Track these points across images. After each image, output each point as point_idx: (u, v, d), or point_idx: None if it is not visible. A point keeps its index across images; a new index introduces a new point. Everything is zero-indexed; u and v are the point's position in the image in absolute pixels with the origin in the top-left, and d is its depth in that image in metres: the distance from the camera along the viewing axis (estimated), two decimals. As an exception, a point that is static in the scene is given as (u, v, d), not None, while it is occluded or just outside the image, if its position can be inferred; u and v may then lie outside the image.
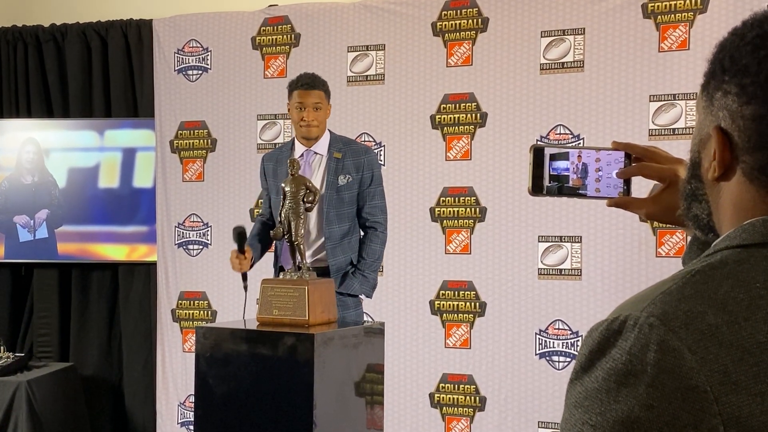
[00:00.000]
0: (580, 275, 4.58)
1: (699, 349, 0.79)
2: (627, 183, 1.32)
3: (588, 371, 0.84)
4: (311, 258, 3.90)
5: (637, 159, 1.34)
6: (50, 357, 5.55)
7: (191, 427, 5.06)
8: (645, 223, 4.46)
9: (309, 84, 3.93)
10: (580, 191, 1.31)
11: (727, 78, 0.91)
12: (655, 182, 1.33)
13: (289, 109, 4.03)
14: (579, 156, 1.29)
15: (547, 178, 1.31)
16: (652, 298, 0.84)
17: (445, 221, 4.84)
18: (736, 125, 0.90)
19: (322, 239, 3.92)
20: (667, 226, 4.39)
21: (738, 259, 0.86)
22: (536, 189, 1.32)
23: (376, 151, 4.72)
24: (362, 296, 4.04)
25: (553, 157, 1.30)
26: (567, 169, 1.30)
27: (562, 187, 1.31)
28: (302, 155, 3.95)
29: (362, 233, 4.05)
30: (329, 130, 4.04)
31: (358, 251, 4.01)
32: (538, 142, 1.33)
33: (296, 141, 4.01)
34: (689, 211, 1.03)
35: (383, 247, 4.06)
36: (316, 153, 3.98)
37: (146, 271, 5.50)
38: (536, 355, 4.66)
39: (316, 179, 3.92)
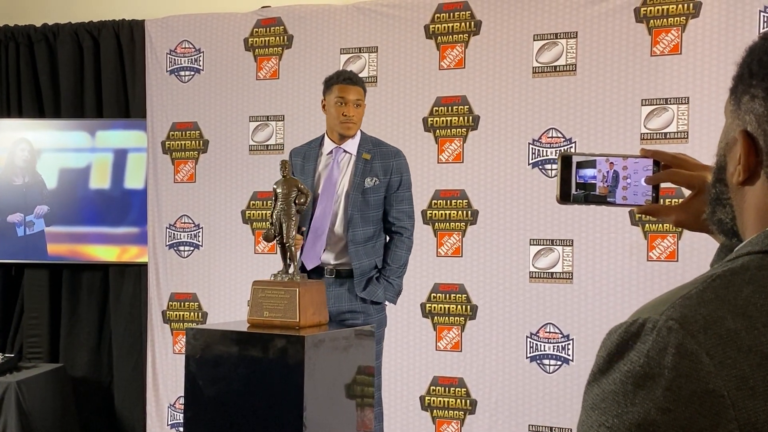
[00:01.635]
0: (572, 279, 4.59)
1: (717, 354, 0.78)
2: (656, 190, 1.31)
3: (605, 373, 0.83)
4: (335, 261, 3.86)
5: (665, 166, 1.34)
6: (40, 358, 5.53)
7: (181, 429, 5.04)
8: (636, 226, 4.47)
9: (351, 79, 3.87)
10: (608, 199, 1.30)
11: (755, 82, 0.91)
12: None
13: (323, 105, 3.93)
14: (611, 163, 1.28)
15: (574, 186, 1.30)
16: (672, 302, 0.83)
17: (436, 224, 4.84)
18: (762, 129, 0.90)
19: (345, 242, 3.86)
20: (659, 230, 4.40)
21: (760, 265, 0.86)
22: (564, 197, 1.31)
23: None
24: (387, 303, 3.98)
25: (581, 165, 1.29)
26: (594, 177, 1.29)
27: (588, 195, 1.30)
28: (331, 152, 3.90)
29: (387, 238, 3.98)
30: (361, 129, 3.97)
31: (382, 256, 3.94)
32: (566, 150, 1.31)
33: (326, 137, 3.94)
34: (713, 216, 1.02)
35: (409, 254, 3.97)
36: (346, 151, 3.90)
37: (137, 273, 5.49)
38: (527, 358, 4.66)
39: (344, 179, 3.88)
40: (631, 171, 1.29)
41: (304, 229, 3.73)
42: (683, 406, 0.78)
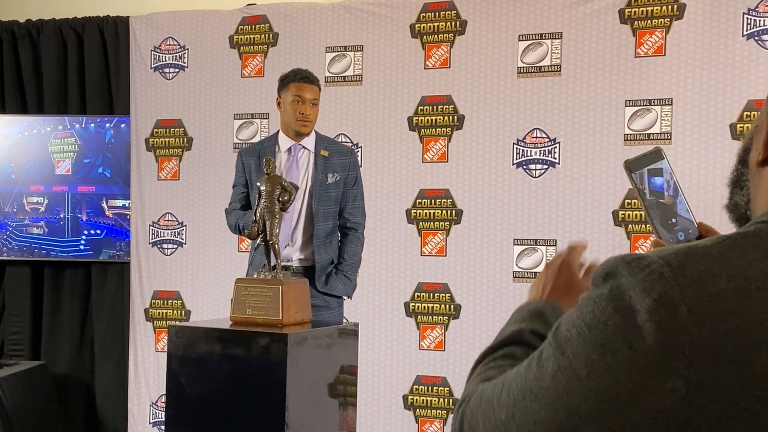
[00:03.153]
0: (555, 278, 4.59)
1: (698, 310, 0.81)
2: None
3: (598, 287, 0.88)
4: (296, 255, 3.88)
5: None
6: (21, 355, 5.50)
7: (163, 427, 5.02)
8: (619, 227, 4.48)
9: (308, 78, 3.89)
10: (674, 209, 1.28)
11: None
12: None
13: (279, 102, 3.95)
14: (671, 173, 1.26)
15: (648, 193, 1.28)
16: (678, 248, 0.86)
17: (421, 223, 4.84)
18: None
19: (307, 237, 3.89)
20: (641, 230, 4.42)
21: None
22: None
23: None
24: (345, 297, 4.03)
25: (651, 173, 1.27)
26: (662, 187, 1.27)
27: (658, 204, 1.28)
28: (289, 149, 3.92)
29: (340, 235, 4.03)
30: (315, 129, 4.00)
31: (338, 252, 3.99)
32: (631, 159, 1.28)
33: (281, 134, 3.96)
34: (731, 200, 1.04)
35: (362, 249, 4.05)
36: (304, 148, 3.93)
37: (120, 270, 5.46)
38: (510, 357, 4.66)
39: (305, 176, 3.90)
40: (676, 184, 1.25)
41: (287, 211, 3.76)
42: (645, 350, 0.81)
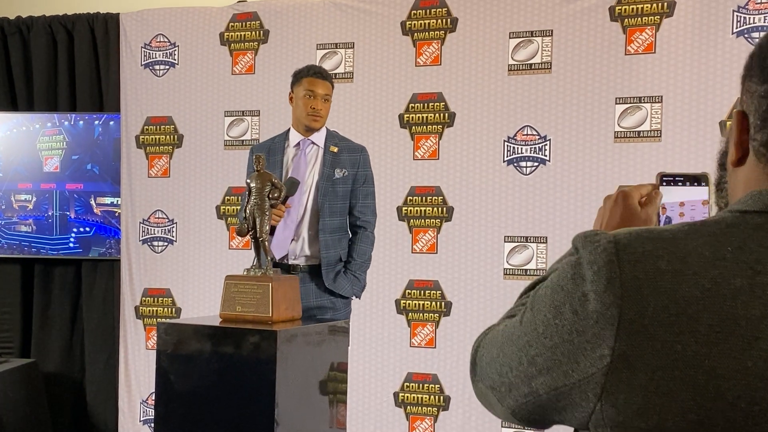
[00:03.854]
0: (545, 276, 4.60)
1: (631, 287, 0.87)
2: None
3: (570, 255, 0.97)
4: (301, 252, 3.86)
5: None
6: (11, 353, 5.48)
7: (153, 425, 5.02)
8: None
9: (321, 74, 3.89)
10: None
11: (754, 65, 0.99)
12: None
13: (291, 98, 3.95)
14: (664, 207, 1.24)
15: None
16: (638, 229, 0.93)
17: (411, 220, 4.84)
18: (753, 105, 0.97)
19: (313, 232, 3.87)
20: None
21: (732, 222, 0.92)
22: None
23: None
24: (353, 297, 4.00)
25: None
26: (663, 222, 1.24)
27: None
28: (298, 144, 3.91)
29: (350, 233, 4.00)
30: (326, 126, 3.99)
31: (348, 251, 3.95)
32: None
33: (292, 130, 3.95)
34: (717, 203, 1.10)
35: (372, 249, 4.01)
36: (313, 143, 3.92)
37: (110, 268, 5.45)
38: (501, 355, 4.67)
39: (312, 170, 3.89)
40: (688, 208, 1.24)
41: (289, 206, 3.73)
42: (584, 316, 0.89)
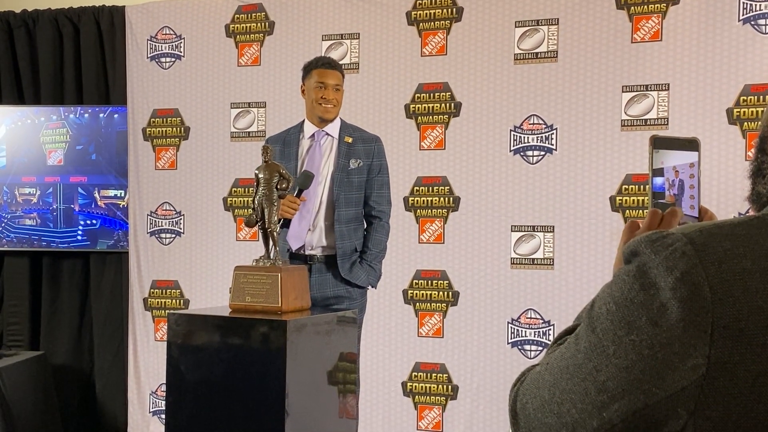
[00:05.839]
0: (553, 265, 4.61)
1: (720, 290, 0.81)
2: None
3: (626, 265, 0.89)
4: (318, 242, 3.87)
5: None
6: (20, 345, 5.51)
7: (163, 416, 5.03)
8: (617, 212, 4.49)
9: (330, 64, 3.89)
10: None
11: None
12: None
13: (303, 90, 3.95)
14: (675, 171, 1.23)
15: (650, 195, 1.26)
16: (704, 226, 0.86)
17: (418, 211, 4.85)
18: None
19: (329, 223, 3.87)
20: (640, 216, 4.43)
21: None
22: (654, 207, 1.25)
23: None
24: (369, 287, 4.01)
25: (655, 173, 1.24)
26: (662, 187, 1.24)
27: (657, 204, 1.24)
28: (313, 135, 3.91)
29: (366, 224, 4.00)
30: (340, 117, 4.00)
31: (363, 241, 3.96)
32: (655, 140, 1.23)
33: (306, 121, 3.95)
34: (753, 190, 1.03)
35: (387, 239, 4.01)
36: (328, 134, 3.92)
37: (118, 260, 5.47)
38: (508, 344, 4.69)
39: (327, 162, 3.89)
40: (697, 179, 1.22)
41: (304, 199, 3.74)
42: (668, 327, 0.82)
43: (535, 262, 4.64)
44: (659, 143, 1.20)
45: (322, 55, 4.00)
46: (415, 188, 4.84)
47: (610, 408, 0.85)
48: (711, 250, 0.83)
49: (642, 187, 4.40)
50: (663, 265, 0.84)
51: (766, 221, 0.87)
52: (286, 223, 3.73)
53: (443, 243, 4.81)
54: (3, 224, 5.48)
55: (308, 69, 3.92)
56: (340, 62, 4.85)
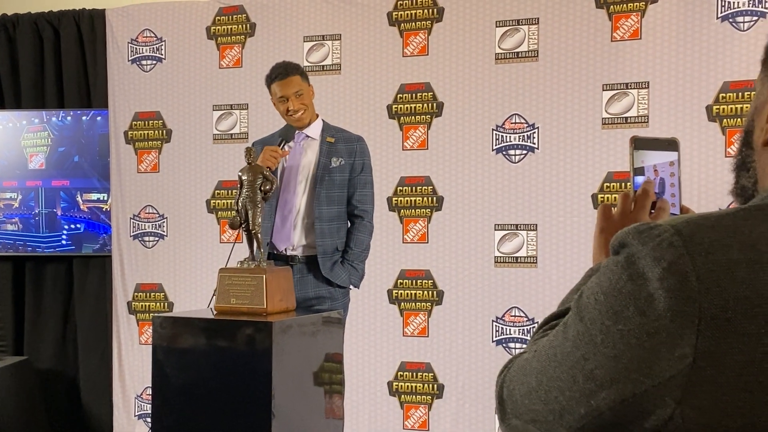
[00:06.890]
0: (536, 263, 4.64)
1: (707, 280, 0.82)
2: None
3: (614, 256, 0.90)
4: (299, 242, 3.87)
5: None
6: (4, 351, 5.47)
7: (148, 420, 5.02)
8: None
9: (283, 73, 3.86)
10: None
11: None
12: None
13: (274, 103, 3.95)
14: (655, 170, 1.24)
15: (632, 194, 1.26)
16: (690, 217, 0.87)
17: (402, 210, 4.86)
18: None
19: (309, 221, 3.87)
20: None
21: None
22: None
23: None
24: (351, 287, 4.00)
25: (636, 172, 1.25)
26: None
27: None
28: (294, 137, 3.93)
29: (349, 223, 4.00)
30: (322, 119, 4.00)
31: (345, 241, 3.95)
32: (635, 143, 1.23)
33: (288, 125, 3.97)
34: (737, 184, 1.05)
35: (370, 238, 4.00)
36: (308, 136, 3.93)
37: (101, 264, 5.45)
38: (493, 342, 4.71)
39: (307, 160, 3.90)
40: (677, 178, 1.24)
41: (287, 152, 3.75)
42: (655, 317, 0.83)
43: (519, 260, 4.66)
44: (639, 144, 1.21)
45: (280, 62, 3.96)
46: (399, 188, 4.86)
47: (598, 396, 0.87)
48: (698, 240, 0.84)
49: (623, 184, 4.43)
50: (650, 256, 0.85)
51: (752, 212, 0.88)
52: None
53: (427, 242, 4.82)
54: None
55: (268, 84, 3.92)
56: (322, 63, 4.87)
